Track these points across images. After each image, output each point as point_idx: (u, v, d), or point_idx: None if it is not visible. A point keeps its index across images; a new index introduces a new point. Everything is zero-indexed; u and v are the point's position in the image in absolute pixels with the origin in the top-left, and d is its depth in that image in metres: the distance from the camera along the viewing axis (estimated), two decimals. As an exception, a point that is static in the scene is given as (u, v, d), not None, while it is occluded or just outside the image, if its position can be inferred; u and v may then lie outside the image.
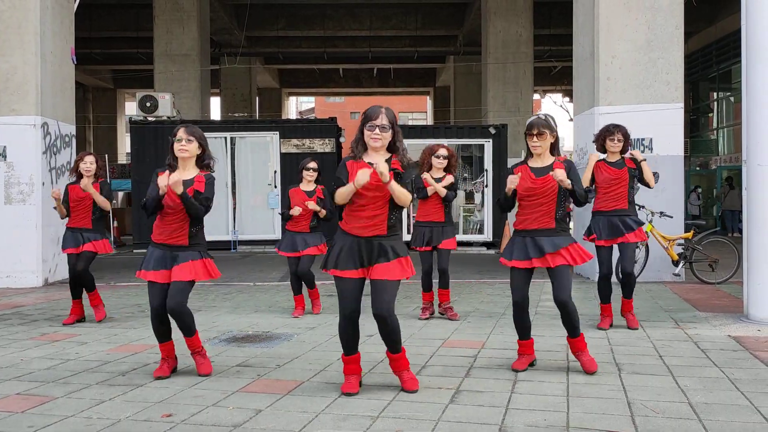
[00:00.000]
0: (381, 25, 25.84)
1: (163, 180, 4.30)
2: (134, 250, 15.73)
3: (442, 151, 6.65)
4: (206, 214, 4.47)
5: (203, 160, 4.52)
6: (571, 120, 12.33)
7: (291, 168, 16.35)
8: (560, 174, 4.31)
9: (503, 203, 4.61)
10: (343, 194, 3.90)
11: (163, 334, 4.50)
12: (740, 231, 18.12)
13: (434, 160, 6.62)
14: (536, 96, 33.80)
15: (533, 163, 4.56)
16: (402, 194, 3.84)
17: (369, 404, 3.82)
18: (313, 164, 6.88)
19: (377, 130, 3.89)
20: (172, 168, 4.45)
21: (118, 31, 25.05)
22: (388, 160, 3.93)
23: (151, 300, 4.42)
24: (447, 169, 6.64)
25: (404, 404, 3.82)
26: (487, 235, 15.69)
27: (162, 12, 20.51)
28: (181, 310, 4.39)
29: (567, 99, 34.58)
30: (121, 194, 28.63)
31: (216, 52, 25.95)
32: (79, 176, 6.58)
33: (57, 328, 6.39)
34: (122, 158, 34.07)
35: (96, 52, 27.44)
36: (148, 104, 16.79)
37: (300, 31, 26.21)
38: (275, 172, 16.16)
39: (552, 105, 34.41)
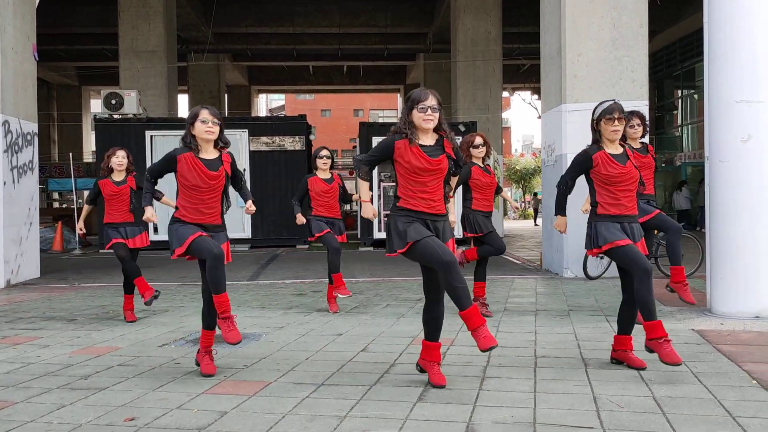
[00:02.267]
0: (350, 22, 25.79)
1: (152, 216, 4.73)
2: (100, 251, 15.47)
3: (478, 140, 6.51)
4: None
5: (220, 142, 4.52)
6: (539, 117, 12.45)
7: (260, 166, 16.25)
8: None
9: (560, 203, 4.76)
10: (361, 190, 4.23)
11: (223, 283, 4.39)
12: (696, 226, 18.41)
13: (473, 151, 6.48)
14: (505, 93, 34.09)
15: (608, 149, 4.46)
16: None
17: (337, 404, 3.79)
18: (325, 152, 6.88)
19: (429, 111, 3.95)
20: (194, 150, 4.41)
21: (82, 27, 24.63)
22: (439, 142, 4.06)
23: (212, 249, 4.31)
24: (485, 158, 6.59)
25: (372, 403, 3.80)
26: (458, 232, 15.72)
27: (127, 8, 20.19)
28: (222, 260, 4.39)
29: (536, 96, 34.93)
30: (86, 193, 28.14)
31: (183, 49, 25.64)
32: (110, 171, 6.56)
33: (18, 331, 6.25)
34: (88, 157, 33.47)
35: (60, 49, 26.94)
36: (113, 102, 16.52)
37: (269, 28, 26.04)
38: (244, 170, 16.01)
39: (521, 102, 34.70)
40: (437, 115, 3.99)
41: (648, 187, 5.95)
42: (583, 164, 4.50)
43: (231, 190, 4.60)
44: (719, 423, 3.38)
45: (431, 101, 3.96)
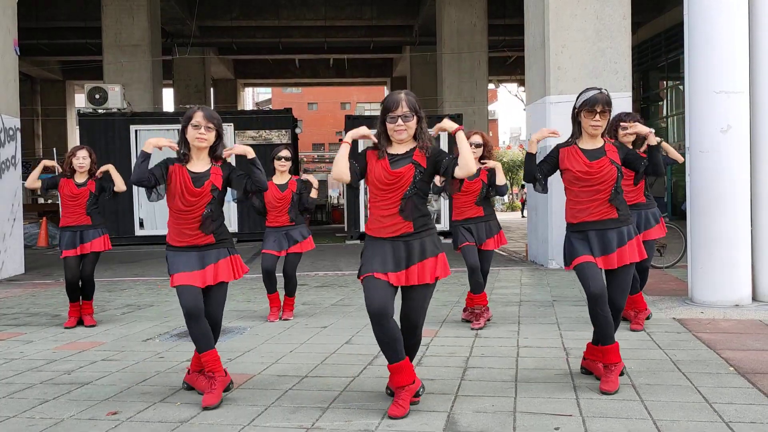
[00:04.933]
0: (336, 15, 25.71)
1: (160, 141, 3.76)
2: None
3: (475, 138, 5.75)
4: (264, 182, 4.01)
5: (215, 151, 3.89)
6: (525, 110, 12.53)
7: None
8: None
9: (528, 168, 4.07)
10: (338, 162, 3.49)
11: (207, 339, 3.81)
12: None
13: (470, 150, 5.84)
14: (491, 86, 34.15)
15: (583, 144, 3.95)
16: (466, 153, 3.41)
17: (320, 395, 3.82)
18: (285, 152, 6.15)
19: (399, 121, 3.44)
20: (186, 159, 3.83)
21: (65, 21, 24.40)
22: (409, 152, 3.51)
23: (187, 304, 3.73)
24: (483, 159, 5.79)
25: (354, 394, 3.82)
26: (444, 225, 15.80)
27: (110, 1, 20.03)
28: (220, 322, 3.94)
29: (522, 88, 35.00)
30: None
31: (168, 43, 25.47)
32: (72, 172, 6.12)
33: (2, 327, 6.22)
34: (73, 152, 33.17)
35: (43, 43, 26.67)
36: (97, 96, 16.40)
37: (254, 21, 25.92)
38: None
39: (508, 94, 34.85)
40: (411, 123, 3.46)
41: (637, 195, 5.47)
42: (548, 158, 4.04)
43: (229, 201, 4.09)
44: (696, 409, 3.44)
45: (402, 109, 3.43)
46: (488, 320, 5.84)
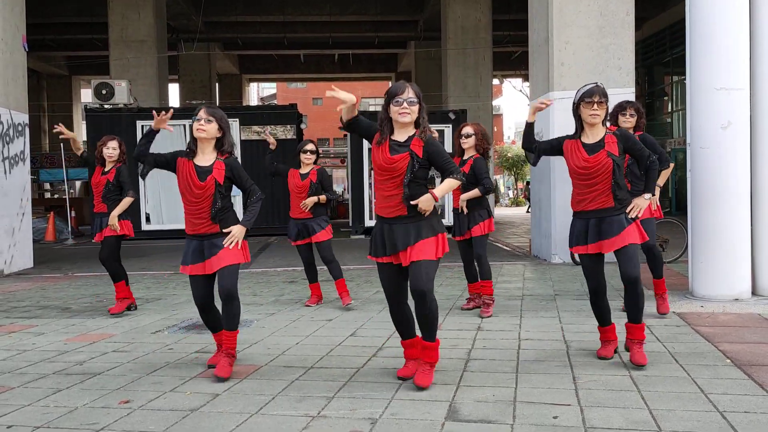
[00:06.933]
0: (341, 11, 25.76)
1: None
2: (92, 240, 15.52)
3: (466, 129, 5.92)
4: (261, 196, 4.30)
5: (222, 145, 4.19)
6: (529, 105, 12.61)
7: (251, 155, 16.30)
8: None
9: (525, 140, 4.44)
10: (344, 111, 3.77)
11: (213, 323, 4.33)
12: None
13: (461, 141, 5.91)
14: (496, 81, 34.17)
15: (585, 138, 4.26)
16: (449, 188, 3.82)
17: (325, 385, 3.92)
18: (310, 146, 6.48)
19: (405, 104, 3.72)
20: (192, 152, 4.14)
21: (71, 17, 24.52)
22: (408, 140, 3.77)
23: (194, 293, 4.24)
24: (478, 148, 5.94)
25: (359, 384, 3.92)
26: (448, 220, 15.88)
27: (116, -3, 20.14)
28: (233, 293, 4.13)
29: (526, 84, 34.99)
30: (78, 183, 28.17)
31: (173, 38, 25.57)
32: (102, 161, 6.38)
33: (13, 320, 6.34)
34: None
35: (49, 39, 26.82)
36: (103, 91, 16.51)
37: (259, 17, 26.00)
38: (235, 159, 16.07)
39: (511, 90, 34.88)
40: (415, 108, 3.74)
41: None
42: (552, 141, 4.40)
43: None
44: (691, 399, 3.53)
45: (408, 93, 3.73)
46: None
